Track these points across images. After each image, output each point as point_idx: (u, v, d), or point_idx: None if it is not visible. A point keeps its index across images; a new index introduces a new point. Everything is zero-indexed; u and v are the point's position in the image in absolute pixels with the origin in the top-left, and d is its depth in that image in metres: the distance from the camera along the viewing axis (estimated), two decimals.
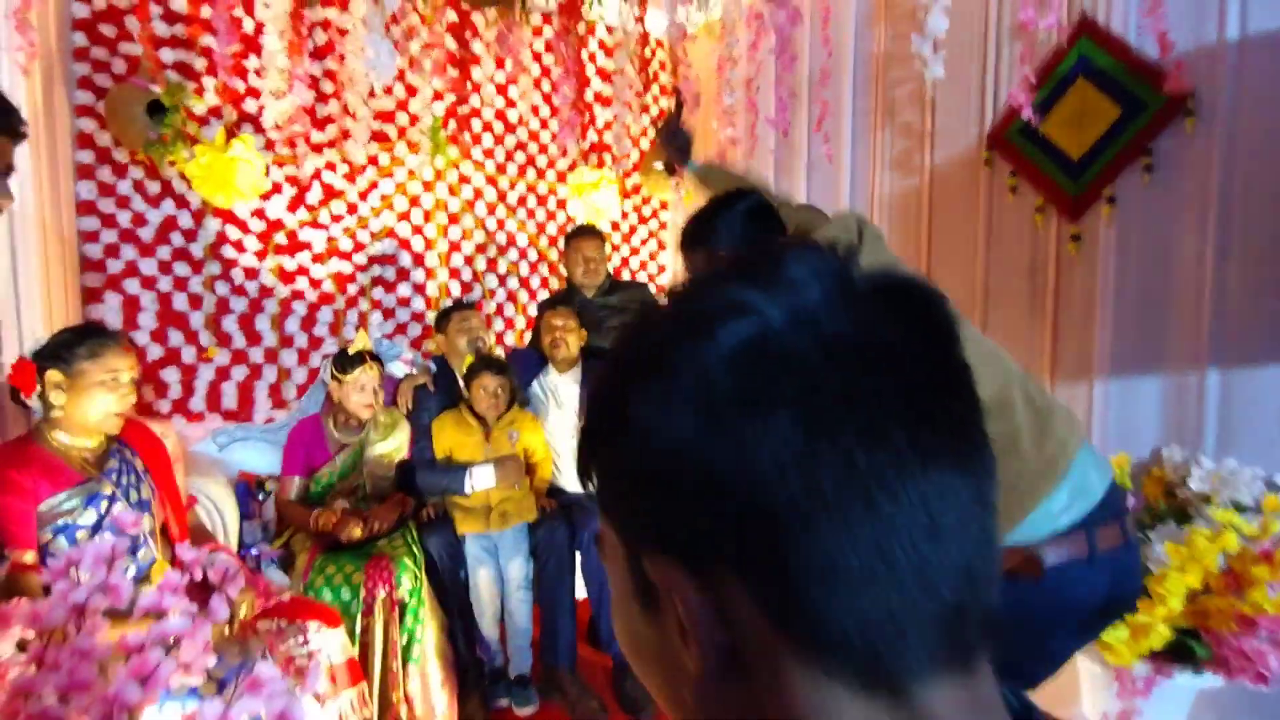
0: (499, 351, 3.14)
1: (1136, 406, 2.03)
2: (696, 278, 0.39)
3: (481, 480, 2.51)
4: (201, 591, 1.08)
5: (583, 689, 2.55)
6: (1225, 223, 1.86)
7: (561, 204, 3.69)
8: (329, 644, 1.90)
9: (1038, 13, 1.79)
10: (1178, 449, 1.88)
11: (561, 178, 3.68)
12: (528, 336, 3.46)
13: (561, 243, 3.55)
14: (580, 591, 2.64)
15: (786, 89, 2.62)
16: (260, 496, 2.67)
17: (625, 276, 3.93)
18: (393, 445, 2.63)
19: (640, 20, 2.88)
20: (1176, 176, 1.97)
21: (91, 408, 1.69)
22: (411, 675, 2.27)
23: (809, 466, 0.32)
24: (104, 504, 1.67)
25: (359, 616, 2.24)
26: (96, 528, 1.66)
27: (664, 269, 4.05)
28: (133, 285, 2.78)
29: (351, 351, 2.53)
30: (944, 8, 1.82)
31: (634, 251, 3.96)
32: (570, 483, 2.79)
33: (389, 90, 3.19)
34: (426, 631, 2.32)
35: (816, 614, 0.33)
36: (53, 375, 1.66)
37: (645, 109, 3.74)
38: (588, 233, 3.08)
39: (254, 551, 2.50)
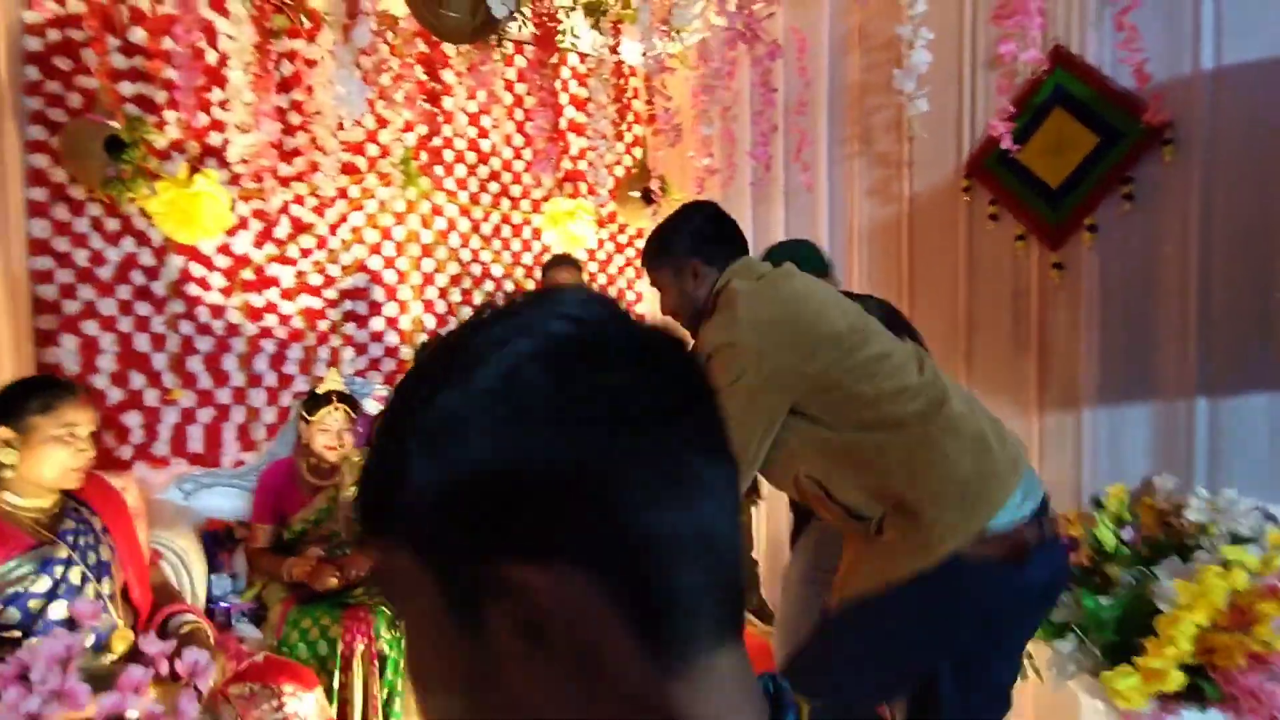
0: None
1: (1126, 435, 2.02)
2: (490, 307, 0.41)
3: None
4: (170, 676, 0.99)
5: None
6: (1207, 250, 1.87)
7: (537, 234, 3.64)
8: (305, 707, 1.80)
9: (1017, 45, 1.79)
10: (1169, 477, 1.87)
11: (536, 207, 3.64)
12: None
13: (538, 273, 3.49)
14: None
15: (767, 122, 2.60)
16: (229, 546, 2.55)
17: None
18: None
19: (614, 50, 2.85)
20: (1157, 205, 1.98)
21: (46, 466, 1.59)
22: None
23: (624, 455, 0.35)
24: (59, 569, 1.56)
25: (336, 672, 2.13)
26: (51, 595, 1.55)
27: (641, 296, 4.01)
28: (91, 327, 2.66)
29: (320, 391, 2.44)
30: (926, 42, 1.81)
31: (610, 280, 3.92)
32: None
33: (358, 122, 3.12)
34: (409, 685, 2.22)
35: (652, 590, 0.36)
36: (1, 432, 1.56)
37: (620, 136, 3.71)
38: (563, 262, 3.02)
39: (224, 605, 2.38)
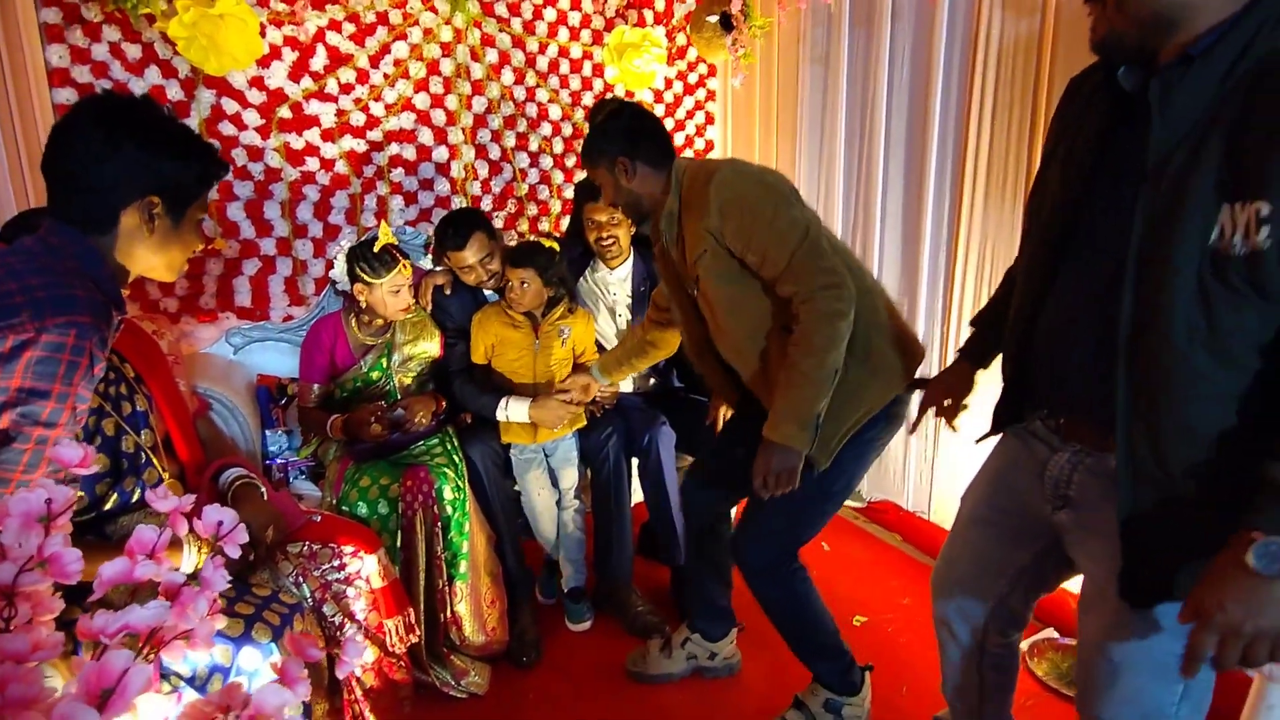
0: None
1: None
2: None
3: (515, 413, 2.22)
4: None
5: (640, 602, 2.37)
6: None
7: (598, 70, 3.25)
8: (366, 568, 1.69)
9: None
10: None
11: (598, 38, 3.22)
12: (564, 223, 3.11)
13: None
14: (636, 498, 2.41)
15: None
16: (283, 402, 2.43)
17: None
18: (423, 349, 2.35)
19: None
20: None
21: None
22: (459, 593, 2.09)
23: None
24: (90, 420, 1.41)
25: (398, 532, 2.03)
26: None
27: (712, 145, 3.62)
28: None
29: (378, 249, 2.20)
30: None
31: (679, 125, 3.53)
32: (623, 384, 2.51)
33: None
34: (472, 546, 2.12)
35: None
36: None
37: None
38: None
39: (280, 462, 2.28)
